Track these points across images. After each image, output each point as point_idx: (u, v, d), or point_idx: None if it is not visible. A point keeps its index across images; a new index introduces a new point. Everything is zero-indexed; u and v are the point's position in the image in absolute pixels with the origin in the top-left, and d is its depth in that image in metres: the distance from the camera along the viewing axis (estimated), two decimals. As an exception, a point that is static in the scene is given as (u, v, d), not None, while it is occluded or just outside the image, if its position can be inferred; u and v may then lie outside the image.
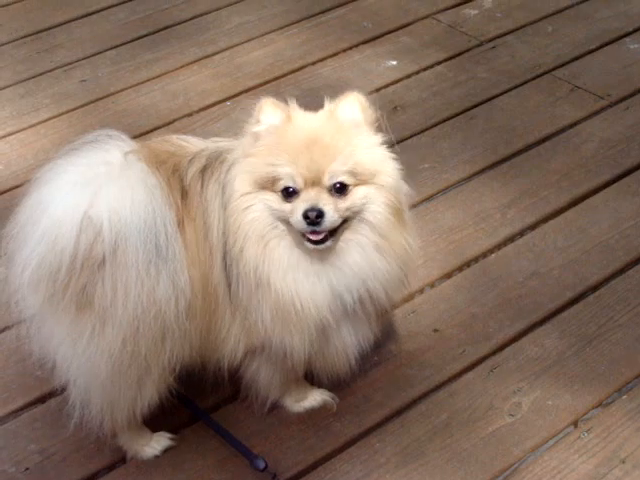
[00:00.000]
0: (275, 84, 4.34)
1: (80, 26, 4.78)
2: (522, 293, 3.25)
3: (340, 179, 2.42)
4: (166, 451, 2.76)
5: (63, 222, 2.33)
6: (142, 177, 2.40)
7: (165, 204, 2.40)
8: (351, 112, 2.53)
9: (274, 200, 2.44)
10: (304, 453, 2.76)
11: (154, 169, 2.44)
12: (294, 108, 2.53)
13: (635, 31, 4.61)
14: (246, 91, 4.30)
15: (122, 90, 4.33)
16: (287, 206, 2.43)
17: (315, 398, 2.89)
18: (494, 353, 3.03)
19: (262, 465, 2.66)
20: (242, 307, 2.51)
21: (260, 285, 2.47)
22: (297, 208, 2.41)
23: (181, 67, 4.48)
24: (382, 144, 2.52)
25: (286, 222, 2.45)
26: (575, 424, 2.84)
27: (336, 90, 4.17)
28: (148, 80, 4.39)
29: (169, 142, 2.62)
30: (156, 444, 2.76)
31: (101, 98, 4.28)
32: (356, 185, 2.44)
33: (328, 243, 2.44)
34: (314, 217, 2.39)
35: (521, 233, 3.50)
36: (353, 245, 2.49)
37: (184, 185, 2.49)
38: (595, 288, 3.29)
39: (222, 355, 2.60)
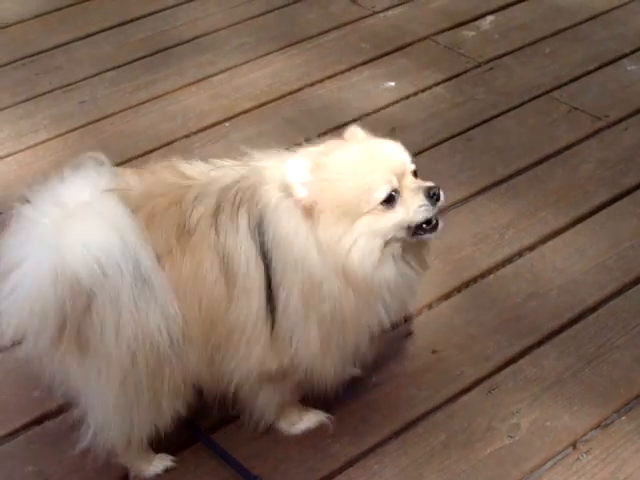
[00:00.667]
0: (273, 105, 4.35)
1: (79, 48, 4.79)
2: (521, 314, 3.25)
3: (413, 165, 2.52)
4: (167, 471, 2.75)
5: (36, 280, 2.31)
6: (111, 216, 2.34)
7: (138, 241, 2.34)
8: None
9: (375, 220, 2.43)
10: (303, 474, 2.75)
11: (128, 206, 2.37)
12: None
13: (633, 52, 4.62)
14: (244, 112, 4.31)
15: (121, 111, 4.33)
16: (397, 212, 2.44)
17: (310, 419, 2.86)
18: (492, 374, 3.02)
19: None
20: (282, 336, 2.52)
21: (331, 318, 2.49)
22: (414, 199, 2.44)
23: (180, 88, 4.49)
24: None
25: (394, 232, 2.45)
26: (574, 445, 2.83)
27: (334, 111, 4.27)
28: (147, 101, 4.40)
29: (170, 169, 2.57)
30: (159, 464, 2.75)
31: (100, 119, 4.29)
32: None
33: (441, 224, 2.51)
34: (438, 191, 2.46)
35: (519, 254, 3.50)
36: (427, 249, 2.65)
37: (184, 224, 2.45)
38: (594, 309, 3.28)
39: (230, 380, 2.59)
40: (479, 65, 4.59)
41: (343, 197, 2.42)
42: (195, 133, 4.20)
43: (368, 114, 4.26)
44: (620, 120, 4.18)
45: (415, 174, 2.52)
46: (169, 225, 2.45)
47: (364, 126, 4.05)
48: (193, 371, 2.55)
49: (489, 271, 3.43)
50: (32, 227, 2.36)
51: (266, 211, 2.46)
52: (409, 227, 2.47)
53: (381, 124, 4.18)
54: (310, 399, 2.83)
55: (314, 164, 2.44)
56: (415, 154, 3.86)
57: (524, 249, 3.52)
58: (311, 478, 2.74)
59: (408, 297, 2.65)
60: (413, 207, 2.45)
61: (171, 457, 2.77)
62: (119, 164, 3.96)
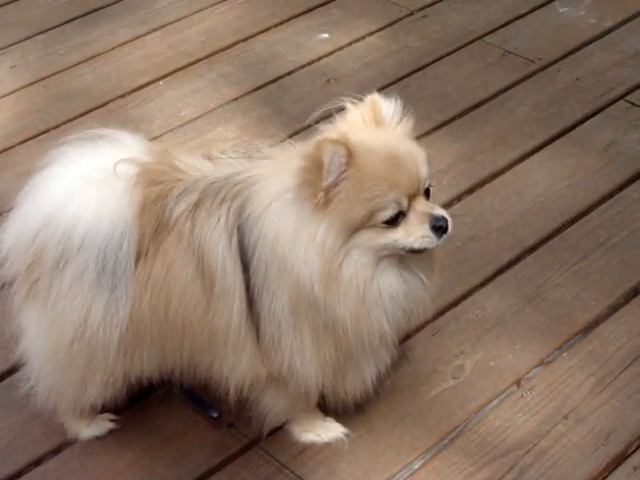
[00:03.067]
0: (208, 62, 4.32)
1: (8, 11, 4.72)
2: (461, 257, 3.28)
3: (429, 181, 2.34)
4: (111, 432, 2.75)
5: (32, 213, 2.37)
6: (119, 194, 2.32)
7: (129, 232, 2.31)
8: (389, 113, 2.41)
9: (374, 235, 2.27)
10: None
11: (137, 189, 2.33)
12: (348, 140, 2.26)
13: (564, -6, 4.66)
14: (179, 70, 4.28)
15: (54, 74, 4.28)
16: (397, 232, 2.28)
17: (324, 433, 2.72)
18: (435, 318, 3.03)
19: (215, 414, 2.68)
20: (268, 342, 2.40)
21: (321, 326, 2.36)
22: (418, 227, 2.28)
23: (112, 49, 4.44)
24: None
25: (391, 249, 2.30)
26: (518, 383, 2.87)
27: (269, 65, 4.25)
28: (80, 63, 4.35)
29: (168, 160, 2.44)
30: (97, 426, 2.74)
31: (32, 83, 4.24)
32: None
33: (442, 239, 2.34)
34: (446, 225, 2.31)
35: (458, 198, 3.53)
36: (431, 258, 2.46)
37: (164, 221, 2.36)
38: (533, 249, 3.32)
39: (228, 385, 2.52)
40: (412, 13, 4.59)
41: (354, 207, 2.24)
42: (130, 93, 4.16)
43: (303, 66, 4.25)
44: (553, 62, 4.21)
45: (428, 192, 2.34)
46: (152, 222, 2.35)
47: (300, 78, 4.15)
48: (139, 369, 2.52)
49: (429, 216, 3.44)
50: (51, 179, 2.40)
51: (252, 210, 2.30)
52: (403, 248, 2.32)
53: (316, 76, 4.19)
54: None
55: (348, 155, 2.22)
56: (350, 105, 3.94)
57: (463, 193, 3.54)
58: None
59: (414, 306, 2.45)
60: (415, 234, 2.29)
61: (112, 417, 2.75)
62: (55, 127, 3.96)
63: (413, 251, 2.33)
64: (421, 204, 2.31)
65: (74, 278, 2.35)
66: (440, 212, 2.33)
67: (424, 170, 2.31)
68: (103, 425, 2.75)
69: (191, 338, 2.43)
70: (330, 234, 2.25)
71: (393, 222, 2.27)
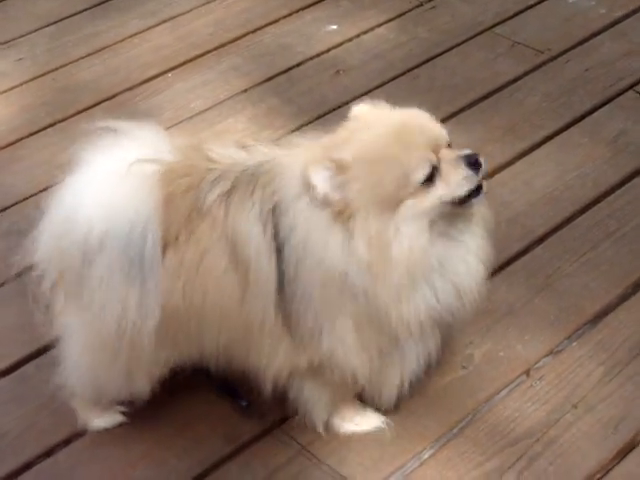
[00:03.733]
0: (216, 54, 4.33)
1: (16, 3, 4.72)
2: (470, 248, 3.27)
3: (447, 137, 2.35)
4: (122, 423, 2.76)
5: (53, 221, 2.38)
6: (133, 192, 2.33)
7: (152, 227, 2.31)
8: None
9: (416, 203, 2.24)
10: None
11: (157, 184, 2.33)
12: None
13: (573, -15, 4.64)
14: (188, 62, 4.28)
15: (61, 66, 4.28)
16: (438, 189, 2.26)
17: (365, 422, 2.72)
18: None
19: (245, 403, 2.70)
20: (302, 330, 2.37)
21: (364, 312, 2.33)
22: (454, 172, 2.27)
23: (121, 40, 4.44)
24: None
25: (437, 210, 2.28)
26: (527, 373, 2.87)
27: (278, 57, 4.26)
28: (88, 55, 4.34)
29: (196, 151, 2.45)
30: (108, 417, 2.74)
31: (40, 76, 4.23)
32: None
33: (485, 187, 2.35)
34: (478, 157, 2.30)
35: (467, 189, 3.52)
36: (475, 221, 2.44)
37: (197, 207, 2.34)
38: (542, 239, 3.32)
39: (265, 375, 2.51)
40: (421, 4, 4.58)
41: (378, 190, 2.23)
42: (138, 85, 4.16)
43: (311, 58, 4.25)
44: (562, 53, 4.20)
45: (449, 145, 2.34)
46: (183, 210, 2.35)
47: (309, 70, 4.15)
48: (179, 358, 2.53)
49: (438, 207, 3.44)
50: (73, 180, 2.39)
51: (284, 198, 2.29)
52: (453, 201, 2.30)
53: (325, 67, 4.19)
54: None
55: (337, 164, 2.22)
56: (360, 95, 3.96)
57: (472, 184, 3.54)
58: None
59: (462, 278, 2.41)
60: (456, 180, 2.28)
61: (122, 409, 2.75)
62: (62, 120, 3.97)
63: (461, 202, 2.31)
64: (447, 153, 2.30)
65: (102, 277, 2.34)
66: (467, 150, 2.33)
67: (436, 125, 2.34)
68: (114, 417, 2.76)
69: (228, 326, 2.42)
70: (371, 221, 2.23)
71: (430, 180, 2.26)
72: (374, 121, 2.35)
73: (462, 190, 2.30)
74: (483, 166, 2.33)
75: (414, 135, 2.29)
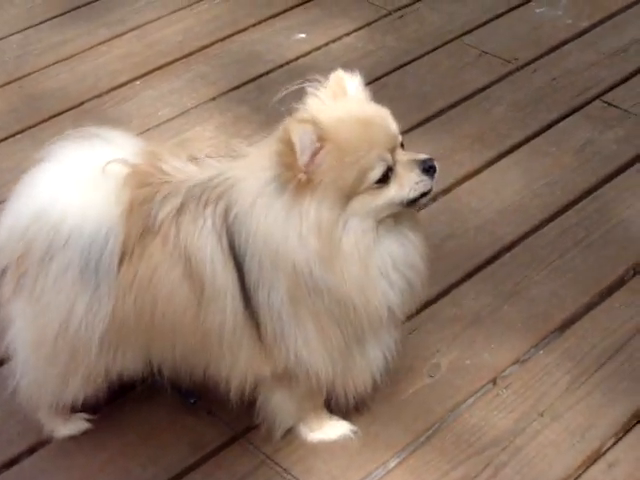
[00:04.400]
0: (185, 62, 4.32)
1: (-17, 11, 4.71)
2: (439, 255, 3.23)
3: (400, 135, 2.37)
4: (88, 431, 2.74)
5: (24, 207, 2.38)
6: (106, 194, 2.34)
7: (115, 232, 2.33)
8: (353, 84, 2.45)
9: (369, 200, 2.27)
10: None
11: (124, 189, 2.35)
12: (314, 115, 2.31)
13: (541, -6, 4.67)
14: (156, 69, 4.27)
15: (29, 74, 4.27)
16: (390, 189, 2.29)
17: (332, 430, 2.71)
18: (412, 316, 2.99)
19: (193, 400, 2.70)
20: (270, 337, 2.38)
21: (324, 307, 2.33)
22: (408, 176, 2.29)
23: (90, 48, 4.43)
24: None
25: (387, 209, 2.30)
26: (494, 382, 2.87)
27: (246, 65, 4.25)
28: (56, 63, 4.33)
29: (155, 162, 2.43)
30: (73, 425, 2.72)
31: (8, 83, 4.22)
32: None
33: (432, 186, 2.36)
34: (433, 164, 2.33)
35: (435, 197, 3.51)
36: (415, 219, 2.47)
37: (149, 224, 2.35)
38: (510, 247, 3.33)
39: (229, 385, 2.51)
40: (390, 13, 4.59)
41: (342, 175, 2.24)
42: (107, 92, 4.14)
43: (281, 66, 4.25)
44: (529, 62, 4.22)
45: (402, 145, 2.37)
46: (139, 224, 2.36)
47: (277, 78, 4.14)
48: (121, 367, 2.52)
49: (406, 216, 3.45)
50: (45, 173, 2.42)
51: (238, 209, 2.30)
52: (401, 202, 2.33)
53: (294, 76, 4.10)
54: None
55: (319, 133, 2.21)
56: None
57: (440, 193, 3.53)
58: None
59: (414, 275, 2.43)
60: (409, 184, 2.30)
61: (87, 416, 2.73)
62: (31, 127, 3.95)
63: (409, 204, 2.35)
64: (403, 155, 2.34)
65: (58, 273, 2.36)
66: (423, 155, 2.36)
67: (394, 125, 2.36)
68: (79, 424, 2.74)
69: (183, 340, 2.43)
70: (324, 209, 2.25)
71: (385, 180, 2.28)
72: (348, 106, 2.37)
73: (414, 193, 2.33)
74: (437, 170, 2.35)
75: (378, 133, 2.31)
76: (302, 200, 2.25)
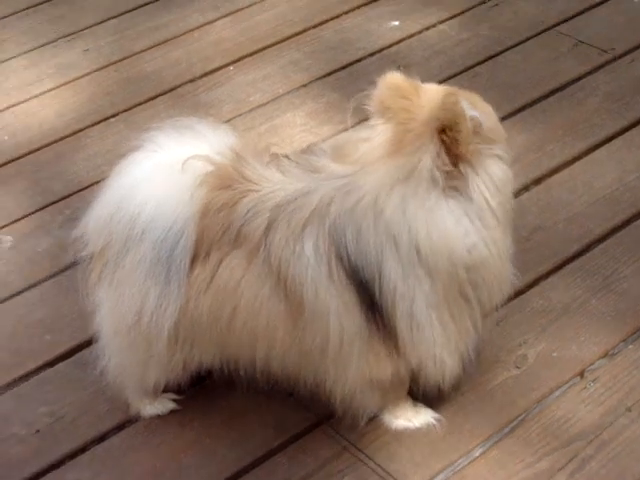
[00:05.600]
0: (277, 48, 4.34)
1: (82, -5, 4.80)
2: (527, 247, 3.25)
3: None
4: (174, 411, 2.78)
5: (110, 196, 2.44)
6: (183, 189, 2.35)
7: (188, 230, 2.34)
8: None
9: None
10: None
11: (202, 187, 2.34)
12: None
13: (639, -16, 4.58)
14: (249, 55, 4.30)
15: (124, 58, 4.33)
16: None
17: (416, 418, 2.71)
18: (500, 307, 3.03)
19: None
20: (410, 351, 2.39)
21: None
22: None
23: (183, 34, 4.47)
24: None
25: None
26: (581, 375, 2.84)
27: (338, 52, 4.26)
28: (150, 48, 4.39)
29: (239, 164, 2.40)
30: (160, 405, 2.77)
31: (104, 67, 4.29)
32: None
33: None
34: None
35: (526, 188, 3.49)
36: None
37: (230, 235, 2.34)
38: (600, 240, 3.28)
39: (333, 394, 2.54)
40: (484, 2, 4.55)
41: (496, 138, 2.37)
42: (200, 78, 4.19)
43: (372, 54, 4.25)
44: (626, 53, 4.15)
45: None
46: (216, 229, 2.35)
47: (369, 66, 4.14)
48: (198, 361, 2.58)
49: (495, 206, 3.42)
50: (133, 163, 2.47)
51: (357, 230, 2.25)
52: None
53: (386, 63, 4.17)
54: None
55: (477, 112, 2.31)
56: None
57: (530, 183, 3.51)
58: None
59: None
60: None
61: (174, 396, 2.78)
62: (125, 110, 4.01)
63: None
64: None
65: (133, 266, 2.39)
66: None
67: None
68: (166, 404, 2.78)
69: (272, 351, 2.45)
70: (506, 165, 2.35)
71: None
72: (434, 92, 2.38)
73: None
74: None
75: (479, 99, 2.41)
76: (465, 185, 2.25)
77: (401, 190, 2.25)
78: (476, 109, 2.30)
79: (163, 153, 2.44)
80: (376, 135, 2.35)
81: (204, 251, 2.37)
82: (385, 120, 2.36)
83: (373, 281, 2.28)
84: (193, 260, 2.37)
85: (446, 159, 2.23)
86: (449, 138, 2.22)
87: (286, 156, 2.47)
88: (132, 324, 2.44)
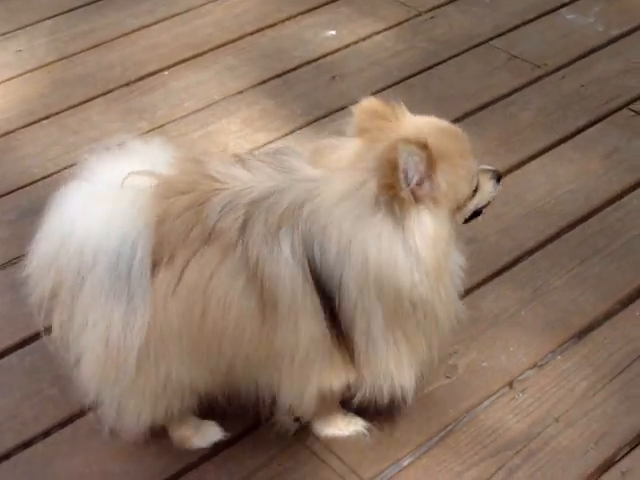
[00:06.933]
0: (213, 54, 4.33)
1: (16, -5, 4.74)
2: (459, 258, 3.27)
3: None
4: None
5: (51, 232, 2.33)
6: (127, 206, 2.28)
7: (142, 241, 2.26)
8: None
9: (466, 210, 2.37)
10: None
11: (151, 199, 2.28)
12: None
13: (572, 2, 4.64)
14: (184, 61, 4.29)
15: (58, 60, 4.29)
16: (475, 199, 2.37)
17: (349, 427, 2.72)
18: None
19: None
20: (364, 365, 2.37)
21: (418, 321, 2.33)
22: (487, 184, 2.39)
23: (118, 37, 4.45)
24: None
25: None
26: (510, 385, 2.86)
27: (274, 60, 4.26)
28: (84, 50, 4.35)
29: (197, 165, 2.38)
30: (206, 438, 2.70)
31: (37, 68, 4.25)
32: None
33: None
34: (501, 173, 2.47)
35: (458, 200, 3.52)
36: None
37: (201, 232, 2.27)
38: (531, 252, 3.31)
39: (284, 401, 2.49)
40: (420, 14, 4.59)
41: (460, 189, 2.29)
42: (134, 82, 4.16)
43: (309, 62, 4.25)
44: (558, 68, 4.21)
45: None
46: (181, 229, 2.27)
47: (305, 74, 4.15)
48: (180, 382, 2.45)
49: (428, 217, 3.44)
50: (70, 194, 2.35)
51: (328, 234, 2.22)
52: (471, 211, 2.41)
53: (321, 72, 4.19)
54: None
55: (426, 154, 2.17)
56: (355, 102, 3.94)
57: (463, 195, 3.54)
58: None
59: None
60: (486, 191, 2.39)
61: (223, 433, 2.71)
62: (57, 113, 3.96)
63: (475, 214, 2.43)
64: (478, 165, 2.39)
65: (92, 293, 2.30)
66: (493, 167, 2.47)
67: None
68: (212, 432, 2.71)
69: (240, 352, 2.38)
70: (443, 223, 2.25)
71: (476, 190, 2.36)
72: (418, 122, 2.35)
73: (486, 200, 2.40)
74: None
75: (466, 142, 2.34)
76: (408, 217, 2.21)
77: (350, 205, 2.23)
78: (434, 165, 2.20)
79: (98, 177, 2.34)
80: (349, 144, 2.34)
81: (167, 255, 2.28)
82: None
83: (335, 293, 2.27)
84: (155, 267, 2.28)
85: (383, 191, 2.20)
86: (387, 180, 2.19)
87: (252, 155, 2.44)
88: (101, 353, 2.33)
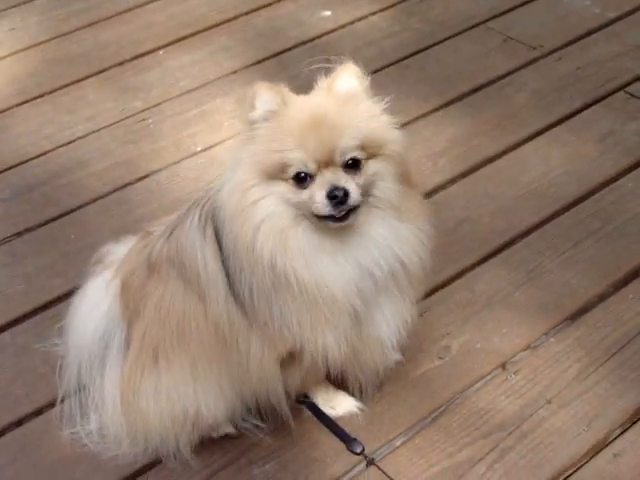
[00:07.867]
0: (208, 34, 4.32)
1: (9, -25, 4.71)
2: (453, 239, 3.27)
3: (352, 155, 2.26)
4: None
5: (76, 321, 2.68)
6: (101, 292, 2.61)
7: (117, 325, 2.58)
8: (348, 83, 2.37)
9: (287, 190, 2.27)
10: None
11: (121, 275, 2.57)
12: (288, 91, 2.32)
13: (568, -17, 4.64)
14: (179, 40, 4.28)
15: (52, 39, 4.28)
16: (303, 193, 2.26)
17: (342, 406, 2.73)
18: (424, 298, 3.01)
19: (359, 448, 2.63)
20: (261, 321, 2.37)
21: (280, 285, 2.31)
22: (317, 192, 2.24)
23: (113, 16, 4.44)
24: (383, 111, 2.38)
25: (304, 210, 2.28)
26: (503, 366, 2.87)
27: (270, 40, 4.24)
28: (79, 29, 4.35)
29: (148, 238, 2.58)
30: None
31: (31, 47, 4.24)
32: (367, 159, 2.30)
33: (351, 219, 2.28)
34: (342, 195, 2.22)
35: (453, 181, 3.52)
36: (372, 219, 2.34)
37: (149, 266, 2.48)
38: (525, 234, 3.31)
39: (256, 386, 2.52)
40: (416, -6, 4.58)
41: (268, 150, 2.27)
42: (129, 61, 4.15)
43: (304, 42, 4.24)
44: (554, 50, 4.20)
45: (356, 164, 2.27)
46: (136, 283, 2.51)
47: (300, 54, 4.14)
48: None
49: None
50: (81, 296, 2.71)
51: (216, 206, 2.35)
52: (311, 213, 2.28)
53: (316, 53, 4.15)
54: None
55: (281, 100, 2.26)
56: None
57: (457, 176, 3.54)
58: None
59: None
60: (316, 199, 2.25)
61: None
62: (51, 92, 3.95)
63: (320, 218, 2.28)
64: (332, 173, 2.26)
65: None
66: (342, 183, 2.25)
67: (344, 142, 2.25)
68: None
69: (206, 355, 2.47)
70: (247, 170, 2.28)
71: (301, 182, 2.27)
72: (318, 100, 2.34)
73: (316, 210, 2.26)
74: (348, 203, 2.25)
75: (315, 139, 2.24)
76: (240, 156, 2.31)
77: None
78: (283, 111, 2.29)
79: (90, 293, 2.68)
80: None
81: (137, 310, 2.51)
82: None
83: (234, 275, 2.35)
84: (131, 326, 2.54)
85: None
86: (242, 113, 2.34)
87: None
88: None
